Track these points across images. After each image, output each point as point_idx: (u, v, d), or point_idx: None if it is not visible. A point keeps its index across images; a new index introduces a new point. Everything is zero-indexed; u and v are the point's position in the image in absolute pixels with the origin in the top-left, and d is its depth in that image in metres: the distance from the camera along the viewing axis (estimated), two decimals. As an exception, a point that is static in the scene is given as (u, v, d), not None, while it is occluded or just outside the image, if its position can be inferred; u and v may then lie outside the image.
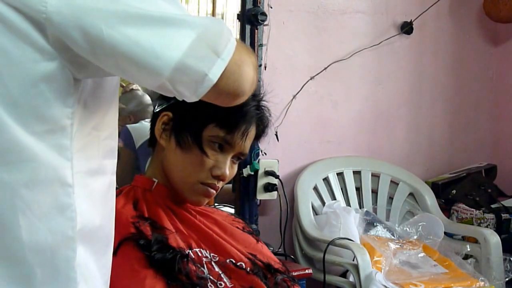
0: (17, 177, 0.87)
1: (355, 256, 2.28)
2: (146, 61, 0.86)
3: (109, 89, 0.99)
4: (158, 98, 1.42)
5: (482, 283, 2.33)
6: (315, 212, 2.71)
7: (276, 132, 2.65)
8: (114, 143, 1.02)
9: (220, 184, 1.36)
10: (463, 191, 3.00)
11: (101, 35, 0.84)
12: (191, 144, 1.32)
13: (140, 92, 2.57)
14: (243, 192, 2.48)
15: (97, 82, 0.95)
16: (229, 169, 1.35)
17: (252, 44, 2.39)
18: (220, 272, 1.30)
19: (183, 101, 0.92)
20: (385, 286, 2.21)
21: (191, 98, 0.91)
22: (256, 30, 2.40)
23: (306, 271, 2.36)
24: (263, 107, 1.41)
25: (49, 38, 0.85)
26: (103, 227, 0.99)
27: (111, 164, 1.01)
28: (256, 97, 1.38)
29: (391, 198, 2.93)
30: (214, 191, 1.36)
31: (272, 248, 2.38)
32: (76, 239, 0.91)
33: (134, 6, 0.86)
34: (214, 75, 0.88)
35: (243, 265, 1.33)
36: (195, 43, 0.86)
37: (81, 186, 0.92)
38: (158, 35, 0.85)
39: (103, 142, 0.98)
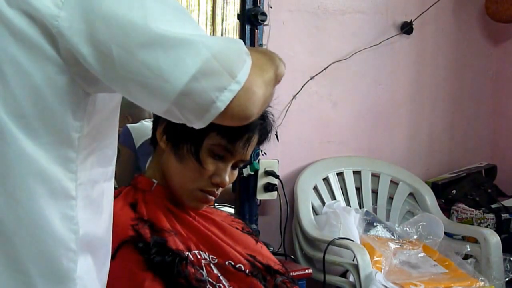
0: (22, 189, 0.86)
1: (355, 256, 2.28)
2: (153, 84, 0.82)
3: (115, 101, 0.98)
4: None
5: (482, 283, 2.33)
6: (315, 212, 2.71)
7: (276, 132, 2.63)
8: (112, 152, 1.01)
9: (219, 191, 1.36)
10: (463, 191, 3.00)
11: (110, 54, 0.82)
12: (190, 153, 1.31)
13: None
14: (243, 192, 2.48)
15: (105, 96, 0.94)
16: (229, 176, 1.35)
17: (252, 44, 2.38)
18: (219, 275, 1.29)
19: None
20: (385, 286, 2.21)
21: (198, 124, 0.87)
22: (256, 30, 2.40)
23: (306, 271, 2.36)
24: (267, 115, 1.39)
25: (61, 52, 0.84)
26: (103, 236, 0.99)
27: (110, 171, 1.01)
28: None
29: (391, 198, 2.93)
30: (213, 198, 1.35)
31: (272, 248, 2.38)
32: (78, 251, 0.90)
33: (147, 25, 0.82)
34: (223, 102, 0.83)
35: (242, 267, 1.33)
36: (207, 65, 0.82)
37: (83, 198, 0.92)
38: (168, 57, 0.81)
39: (103, 151, 0.97)
